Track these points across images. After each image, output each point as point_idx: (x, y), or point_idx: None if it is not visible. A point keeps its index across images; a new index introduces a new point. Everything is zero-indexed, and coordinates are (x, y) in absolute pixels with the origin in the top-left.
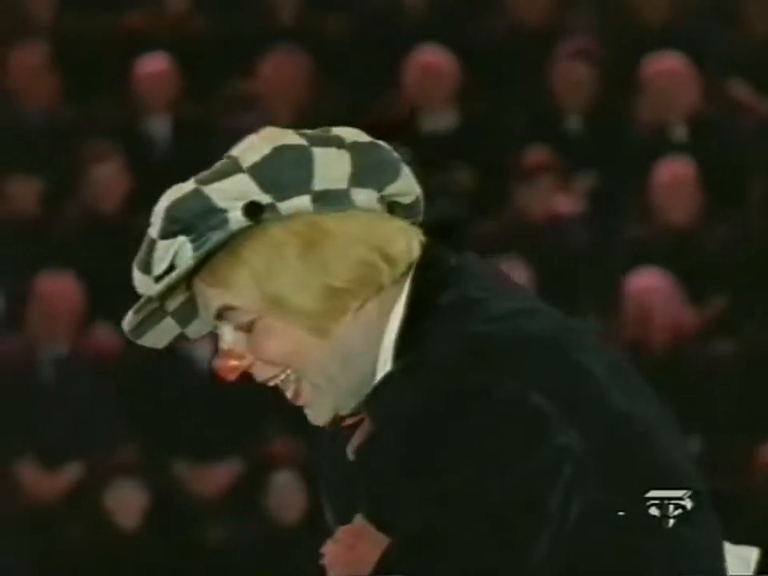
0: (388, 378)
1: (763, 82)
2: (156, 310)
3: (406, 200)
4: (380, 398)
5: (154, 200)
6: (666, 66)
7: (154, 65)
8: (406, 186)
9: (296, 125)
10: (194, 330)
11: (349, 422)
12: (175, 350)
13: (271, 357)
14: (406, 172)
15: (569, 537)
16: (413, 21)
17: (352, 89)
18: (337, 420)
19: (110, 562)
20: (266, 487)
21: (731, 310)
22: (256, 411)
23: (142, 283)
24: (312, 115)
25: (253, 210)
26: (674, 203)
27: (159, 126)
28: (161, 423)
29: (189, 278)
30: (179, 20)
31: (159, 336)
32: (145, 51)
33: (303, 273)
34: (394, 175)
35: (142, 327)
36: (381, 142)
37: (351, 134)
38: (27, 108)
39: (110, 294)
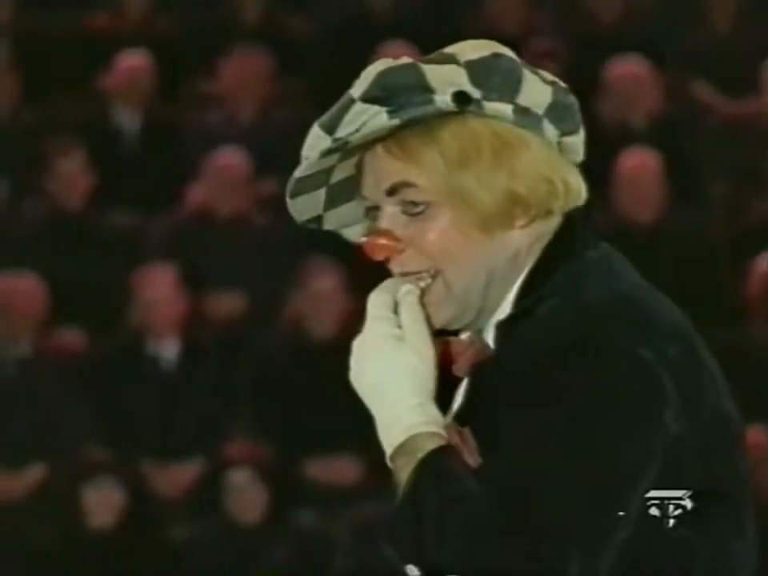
0: (528, 309)
1: (725, 80)
2: (318, 176)
3: (577, 158)
4: (522, 327)
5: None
6: (629, 69)
7: (130, 60)
8: (581, 145)
9: (259, 124)
10: (335, 216)
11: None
12: (140, 350)
13: (430, 246)
14: (583, 136)
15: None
16: (378, 20)
17: (315, 88)
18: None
19: (75, 563)
20: (226, 487)
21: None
22: (217, 411)
23: (317, 142)
24: (275, 114)
25: (462, 98)
26: (638, 194)
27: (129, 122)
28: (124, 424)
29: (361, 152)
30: (142, 20)
31: (305, 206)
32: (108, 51)
33: (492, 170)
34: (577, 129)
35: (299, 186)
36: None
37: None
38: None
39: (74, 292)
